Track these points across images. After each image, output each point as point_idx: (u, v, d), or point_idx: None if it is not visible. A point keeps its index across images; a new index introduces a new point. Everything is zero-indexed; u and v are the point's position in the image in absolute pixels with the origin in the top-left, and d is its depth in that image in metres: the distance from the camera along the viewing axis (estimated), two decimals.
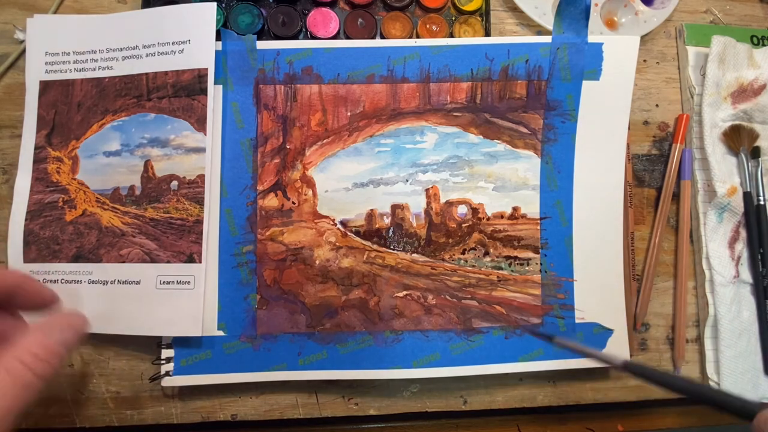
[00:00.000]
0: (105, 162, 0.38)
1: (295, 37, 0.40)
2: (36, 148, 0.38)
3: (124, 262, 0.37)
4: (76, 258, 0.37)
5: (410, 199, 0.39)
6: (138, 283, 0.37)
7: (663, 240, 0.42)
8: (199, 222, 0.37)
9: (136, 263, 0.37)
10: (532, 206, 0.39)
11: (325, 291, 0.38)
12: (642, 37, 0.42)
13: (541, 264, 0.39)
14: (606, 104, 0.39)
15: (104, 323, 0.37)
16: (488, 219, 0.39)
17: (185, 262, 0.36)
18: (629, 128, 0.40)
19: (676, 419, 0.43)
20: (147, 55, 0.38)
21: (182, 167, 0.37)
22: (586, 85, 0.39)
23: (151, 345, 0.38)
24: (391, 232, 0.38)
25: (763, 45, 0.44)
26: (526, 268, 0.39)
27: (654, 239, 0.42)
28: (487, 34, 0.42)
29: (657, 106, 0.43)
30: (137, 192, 0.38)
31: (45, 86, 0.39)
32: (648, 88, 0.43)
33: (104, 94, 0.38)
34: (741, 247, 0.42)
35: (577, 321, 0.39)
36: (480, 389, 0.40)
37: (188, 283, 0.36)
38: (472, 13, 0.42)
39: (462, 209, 0.39)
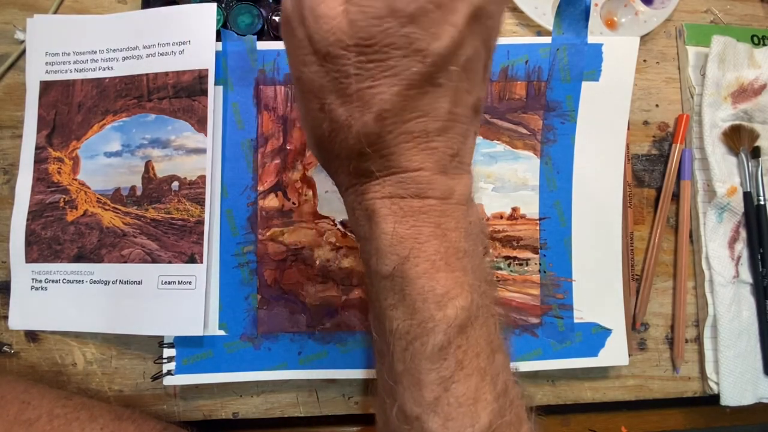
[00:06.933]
0: (106, 162, 0.38)
1: None
2: (37, 148, 0.39)
3: (125, 262, 0.37)
4: (78, 258, 0.37)
5: None
6: (139, 283, 0.37)
7: (662, 240, 0.42)
8: (200, 222, 0.37)
9: (138, 263, 0.37)
10: (531, 207, 0.39)
11: (325, 291, 0.38)
12: (642, 37, 0.42)
13: (540, 264, 0.39)
14: (605, 105, 0.39)
15: (106, 323, 0.37)
16: (487, 219, 0.39)
17: (186, 262, 0.37)
18: (629, 128, 0.40)
19: (681, 420, 0.43)
20: (147, 56, 0.38)
21: (183, 168, 0.37)
22: (586, 86, 0.39)
23: (152, 344, 0.38)
24: None
25: (764, 45, 0.44)
26: (525, 268, 0.39)
27: (653, 239, 0.42)
28: None
29: (657, 106, 0.43)
30: (138, 192, 0.38)
31: (45, 86, 0.39)
32: (648, 88, 0.43)
33: (105, 94, 0.38)
34: (741, 247, 0.42)
35: (575, 321, 0.39)
36: None
37: (189, 283, 0.36)
38: None
39: None
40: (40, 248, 0.38)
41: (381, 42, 0.19)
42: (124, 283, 0.37)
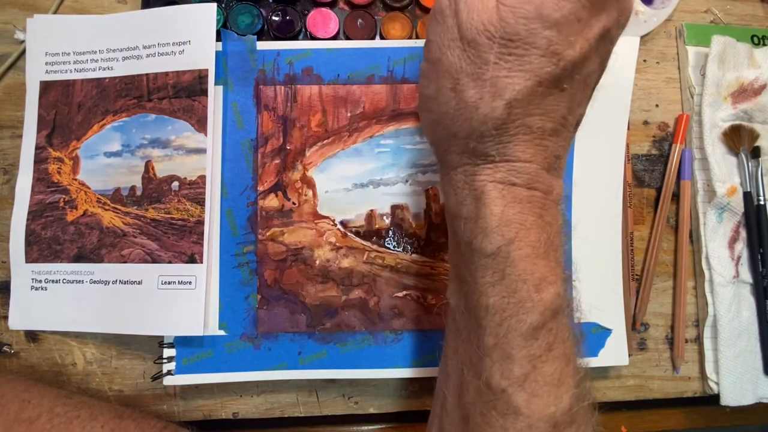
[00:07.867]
0: (106, 162, 0.38)
1: (295, 37, 0.40)
2: (37, 148, 0.39)
3: (125, 262, 0.37)
4: (78, 258, 0.37)
5: (410, 200, 0.39)
6: (139, 283, 0.37)
7: (662, 240, 0.42)
8: (200, 222, 0.37)
9: (138, 263, 0.37)
10: None
11: (325, 291, 0.38)
12: (642, 37, 0.42)
13: None
14: (605, 105, 0.39)
15: (106, 323, 0.37)
16: None
17: (186, 262, 0.37)
18: (629, 128, 0.40)
19: (681, 420, 0.43)
20: (147, 56, 0.38)
21: (183, 168, 0.37)
22: None
23: (152, 344, 0.38)
24: (390, 233, 0.39)
25: (764, 45, 0.44)
26: None
27: (653, 239, 0.42)
28: None
29: (657, 106, 0.43)
30: (138, 192, 0.38)
31: (45, 86, 0.39)
32: (648, 88, 0.43)
33: (105, 94, 0.38)
34: (741, 247, 0.42)
35: (575, 321, 0.39)
36: None
37: (189, 283, 0.36)
38: None
39: None
40: (40, 248, 0.38)
41: (524, 40, 0.22)
42: (124, 283, 0.37)
